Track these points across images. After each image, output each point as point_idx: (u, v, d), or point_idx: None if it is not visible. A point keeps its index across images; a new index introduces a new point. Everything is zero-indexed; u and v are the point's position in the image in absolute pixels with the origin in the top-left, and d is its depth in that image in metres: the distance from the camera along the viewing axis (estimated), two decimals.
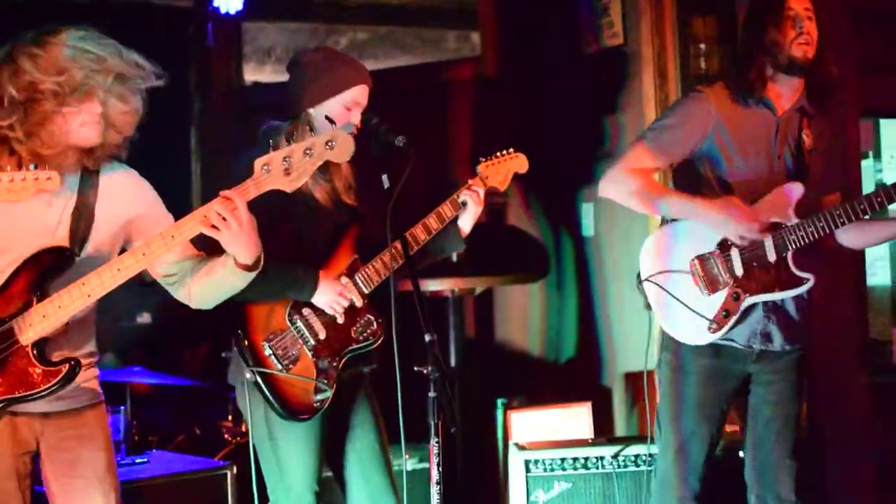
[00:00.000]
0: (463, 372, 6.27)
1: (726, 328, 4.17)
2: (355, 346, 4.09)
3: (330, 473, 4.30)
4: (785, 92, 4.25)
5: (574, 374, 6.42)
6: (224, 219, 3.37)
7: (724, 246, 4.19)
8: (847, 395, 5.24)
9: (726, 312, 4.16)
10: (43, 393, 3.42)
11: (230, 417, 6.00)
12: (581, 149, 6.23)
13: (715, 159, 4.25)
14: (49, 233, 3.49)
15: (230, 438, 5.72)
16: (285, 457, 4.09)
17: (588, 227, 6.31)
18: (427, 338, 3.58)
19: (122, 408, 5.25)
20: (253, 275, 3.53)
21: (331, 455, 4.23)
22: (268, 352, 3.99)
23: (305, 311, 4.04)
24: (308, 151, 3.39)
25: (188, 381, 5.90)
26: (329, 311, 4.04)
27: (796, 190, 4.14)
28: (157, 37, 7.05)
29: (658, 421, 4.36)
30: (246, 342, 3.99)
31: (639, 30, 5.97)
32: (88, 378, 3.65)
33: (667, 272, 4.25)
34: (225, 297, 3.67)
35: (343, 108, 4.09)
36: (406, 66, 7.94)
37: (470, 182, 4.30)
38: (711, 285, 4.18)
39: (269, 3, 7.91)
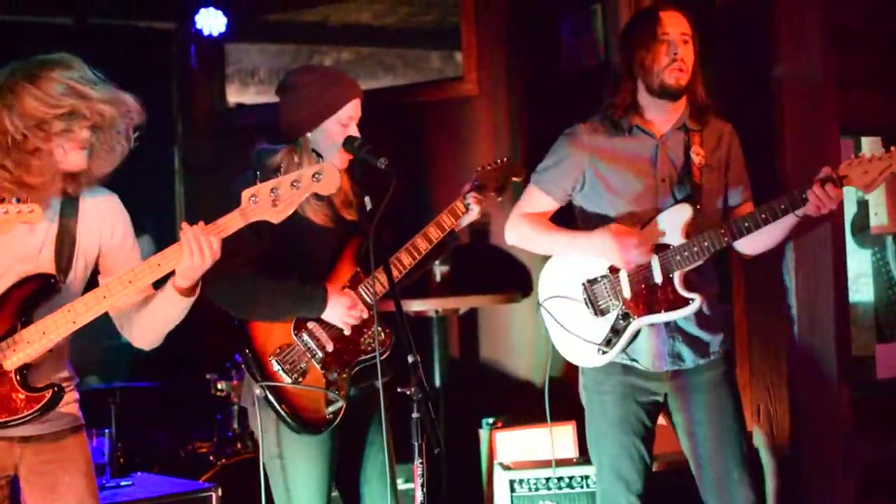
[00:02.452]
0: (447, 392, 6.28)
1: (616, 349, 4.18)
2: (365, 357, 4.06)
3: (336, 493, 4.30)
4: (661, 114, 4.24)
5: (558, 394, 6.42)
6: (202, 251, 3.42)
7: (613, 269, 4.20)
8: (830, 412, 5.25)
9: (615, 333, 4.17)
10: (26, 418, 3.44)
11: (215, 439, 6.01)
12: None
13: (598, 193, 4.27)
14: (33, 259, 3.50)
15: (215, 460, 5.71)
16: (294, 475, 4.06)
17: None
18: (410, 359, 3.59)
19: (108, 430, 5.24)
20: (190, 301, 3.55)
21: (340, 471, 4.21)
22: (276, 367, 3.98)
23: (311, 324, 4.03)
24: (295, 184, 3.45)
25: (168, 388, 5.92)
26: (341, 325, 4.04)
27: (683, 211, 4.14)
28: (140, 59, 7.13)
29: (588, 444, 4.39)
30: (253, 359, 3.99)
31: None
32: (69, 402, 3.65)
33: (560, 297, 4.29)
34: (163, 331, 3.66)
35: (339, 125, 4.10)
36: (389, 86, 7.94)
37: (466, 189, 4.32)
38: (601, 308, 4.21)
39: (252, 24, 7.92)
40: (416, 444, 3.60)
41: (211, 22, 7.41)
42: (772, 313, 5.44)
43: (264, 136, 4.18)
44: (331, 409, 4.01)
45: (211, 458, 5.79)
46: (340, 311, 4.02)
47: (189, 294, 3.54)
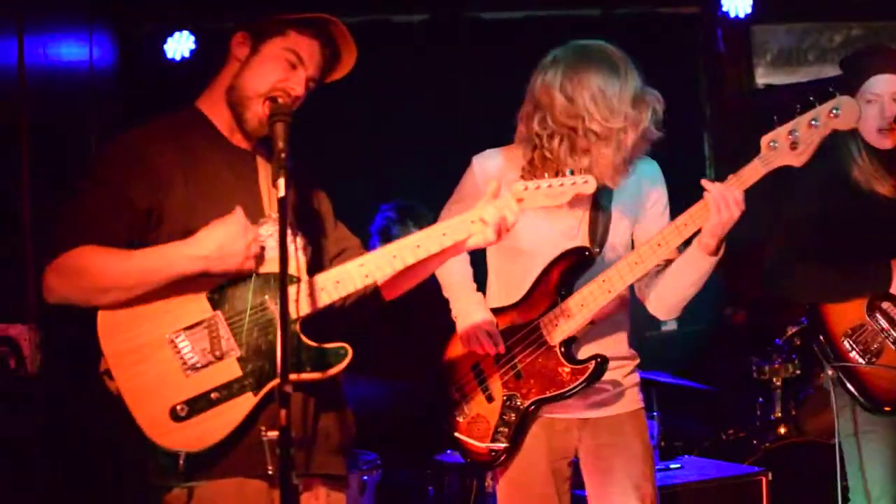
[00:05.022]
0: None
1: None
2: None
3: None
4: None
5: None
6: (728, 206, 3.37)
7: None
8: None
9: None
10: (572, 391, 3.54)
11: (757, 423, 5.94)
12: None
13: None
14: (572, 232, 3.61)
15: (758, 444, 5.64)
16: (868, 453, 4.03)
17: None
18: None
19: (655, 413, 5.33)
20: (714, 262, 3.48)
21: None
22: (848, 346, 3.97)
23: (885, 304, 3.99)
24: (813, 122, 3.37)
25: (711, 388, 5.93)
26: None
27: None
28: (665, 45, 7.20)
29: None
30: (824, 340, 4.00)
31: None
32: (629, 385, 3.74)
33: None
34: (683, 296, 3.62)
35: (864, 101, 4.00)
36: None
37: None
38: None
39: (777, 4, 7.80)
40: None
41: (737, 4, 7.41)
42: None
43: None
44: None
45: (754, 441, 5.73)
46: None
47: (715, 253, 3.49)
